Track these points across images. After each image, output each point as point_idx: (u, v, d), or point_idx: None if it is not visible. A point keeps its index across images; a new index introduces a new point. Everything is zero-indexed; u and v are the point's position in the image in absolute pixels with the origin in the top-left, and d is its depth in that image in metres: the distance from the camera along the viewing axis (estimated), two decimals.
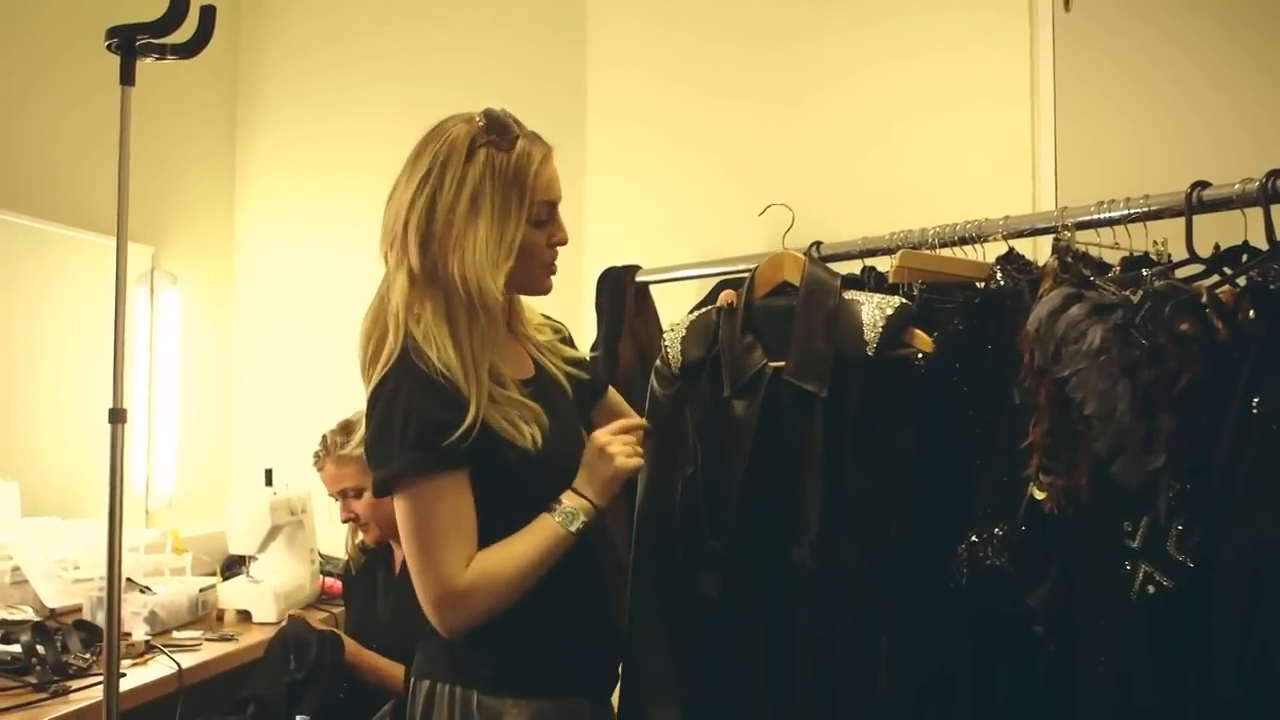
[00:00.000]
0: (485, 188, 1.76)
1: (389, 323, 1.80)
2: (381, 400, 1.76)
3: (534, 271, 1.87)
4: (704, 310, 2.03)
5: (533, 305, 2.06)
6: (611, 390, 2.12)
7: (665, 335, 2.03)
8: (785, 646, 1.87)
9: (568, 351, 2.02)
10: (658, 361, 2.03)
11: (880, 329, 1.83)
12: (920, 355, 1.86)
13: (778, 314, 1.95)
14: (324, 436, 3.01)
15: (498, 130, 1.79)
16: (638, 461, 1.86)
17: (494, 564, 1.74)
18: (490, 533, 1.78)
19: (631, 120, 3.49)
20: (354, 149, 3.99)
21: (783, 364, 1.89)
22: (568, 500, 1.81)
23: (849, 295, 1.90)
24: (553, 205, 1.85)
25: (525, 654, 1.82)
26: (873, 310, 1.85)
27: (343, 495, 2.96)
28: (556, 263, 1.89)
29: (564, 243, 1.88)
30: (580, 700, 1.87)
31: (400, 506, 1.74)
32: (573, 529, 1.79)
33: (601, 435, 1.86)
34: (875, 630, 1.81)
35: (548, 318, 2.09)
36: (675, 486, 1.95)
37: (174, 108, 3.91)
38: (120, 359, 2.07)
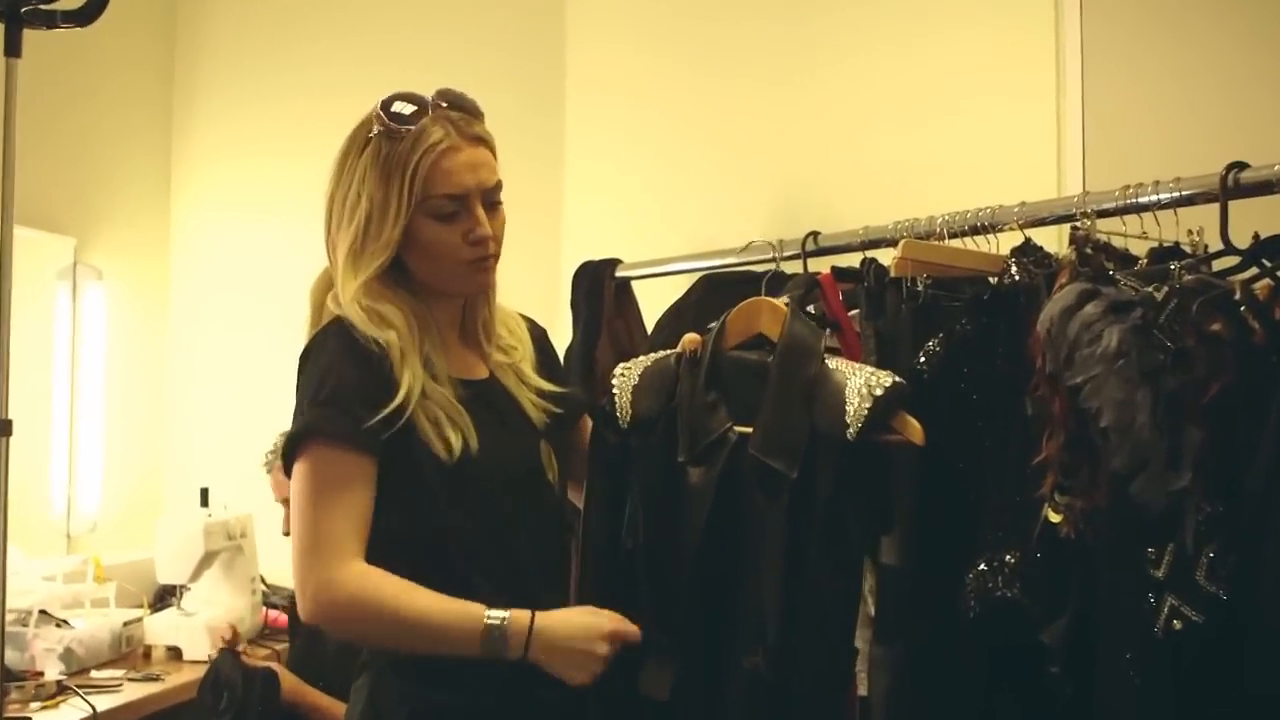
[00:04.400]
0: (367, 182, 1.81)
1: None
2: (306, 364, 1.82)
3: (449, 271, 1.86)
4: (662, 356, 1.95)
5: (508, 310, 2.04)
6: (585, 419, 2.07)
7: (614, 380, 1.94)
8: None
9: (537, 382, 1.98)
10: (604, 403, 1.93)
11: (866, 410, 1.75)
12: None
13: (748, 370, 1.87)
14: (281, 435, 3.01)
15: (391, 117, 1.81)
16: (581, 681, 1.76)
17: (390, 596, 1.71)
18: (399, 540, 1.77)
19: (614, 101, 3.48)
20: (306, 136, 3.94)
21: (749, 430, 1.82)
22: (514, 617, 1.72)
23: (833, 364, 1.84)
24: (459, 198, 1.82)
25: (444, 710, 1.79)
26: (860, 385, 1.77)
27: (286, 504, 2.94)
28: (486, 261, 1.86)
29: (482, 240, 1.83)
30: None
31: (298, 470, 1.75)
32: (491, 628, 1.71)
33: (604, 639, 1.76)
34: None
35: (525, 318, 2.08)
36: (619, 560, 1.87)
37: (103, 87, 3.89)
38: (4, 363, 2.05)
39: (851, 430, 1.75)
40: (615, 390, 1.92)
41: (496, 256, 1.89)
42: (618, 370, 1.95)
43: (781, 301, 2.01)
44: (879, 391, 1.76)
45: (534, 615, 1.73)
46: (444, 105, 1.84)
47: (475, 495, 1.81)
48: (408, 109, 1.82)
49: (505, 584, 1.79)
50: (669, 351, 1.95)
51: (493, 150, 1.88)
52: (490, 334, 1.97)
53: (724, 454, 1.82)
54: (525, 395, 1.95)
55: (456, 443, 1.77)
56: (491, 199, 1.86)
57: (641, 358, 1.97)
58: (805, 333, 1.88)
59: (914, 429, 1.76)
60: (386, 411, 1.73)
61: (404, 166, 1.79)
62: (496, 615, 1.72)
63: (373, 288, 1.81)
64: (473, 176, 1.83)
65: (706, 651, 1.81)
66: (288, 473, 1.79)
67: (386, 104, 1.82)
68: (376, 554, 1.76)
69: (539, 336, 2.09)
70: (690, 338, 1.94)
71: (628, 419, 1.89)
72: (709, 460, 1.82)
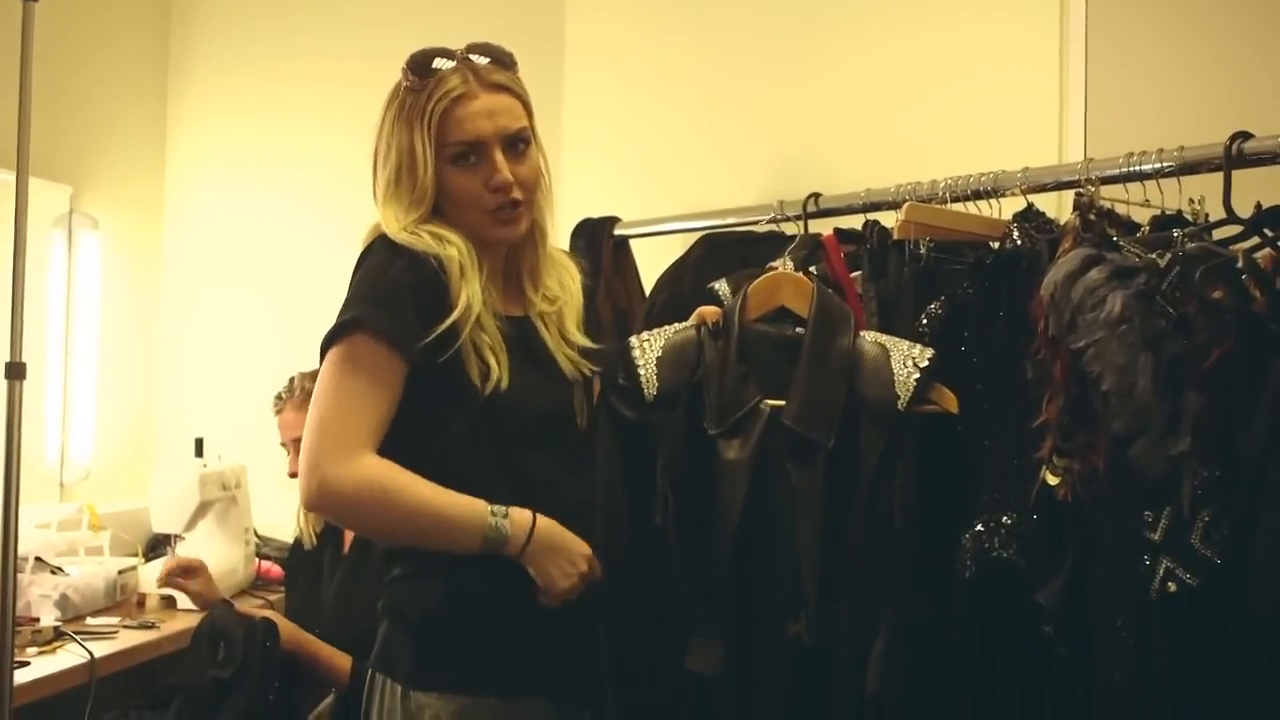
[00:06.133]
0: (394, 134, 1.85)
1: None
2: (358, 267, 1.82)
3: (474, 218, 1.86)
4: (682, 328, 1.94)
5: (566, 261, 2.04)
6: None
7: (634, 351, 1.91)
8: None
9: (577, 338, 1.97)
10: (620, 378, 1.90)
11: (915, 381, 1.80)
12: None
13: (774, 344, 1.89)
14: (292, 379, 3.01)
15: (413, 69, 1.84)
16: (565, 589, 1.79)
17: (399, 485, 1.74)
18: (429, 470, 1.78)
19: (612, 62, 3.46)
20: (300, 94, 3.99)
21: (780, 403, 1.83)
22: (516, 512, 1.77)
23: (868, 336, 1.88)
24: (474, 144, 1.83)
25: (447, 642, 1.81)
26: (903, 357, 1.82)
27: (295, 446, 2.95)
28: (513, 209, 1.87)
29: (502, 186, 1.84)
30: (537, 701, 1.84)
31: (332, 356, 1.77)
32: (495, 521, 1.75)
33: (587, 559, 1.82)
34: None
35: (571, 256, 2.10)
36: (647, 536, 1.85)
37: (100, 37, 3.87)
38: (20, 306, 2.04)
39: (902, 400, 1.79)
40: (640, 363, 1.89)
41: (526, 203, 1.88)
42: (634, 343, 1.92)
43: (785, 263, 2.03)
44: (923, 363, 1.81)
45: (535, 514, 1.78)
46: (470, 56, 1.85)
47: (505, 426, 1.82)
48: (430, 61, 1.84)
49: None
50: (687, 324, 1.94)
51: (519, 97, 1.89)
52: (537, 281, 1.97)
53: (758, 426, 1.82)
54: (561, 350, 1.94)
55: (495, 374, 1.78)
56: (516, 145, 1.87)
57: (656, 330, 1.94)
58: (836, 306, 1.91)
59: (950, 399, 1.82)
60: (442, 328, 1.75)
61: (421, 115, 1.82)
62: (500, 509, 1.76)
63: (421, 226, 1.83)
64: (489, 123, 1.83)
65: (745, 623, 1.82)
66: (323, 348, 1.80)
67: (412, 58, 1.84)
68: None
69: (589, 292, 2.09)
70: (709, 310, 1.95)
71: (654, 391, 1.88)
72: (742, 433, 1.83)
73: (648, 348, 1.90)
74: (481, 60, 1.86)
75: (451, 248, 1.79)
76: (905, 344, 1.85)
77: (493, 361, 1.79)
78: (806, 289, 1.93)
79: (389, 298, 1.76)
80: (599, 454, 1.92)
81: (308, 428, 1.77)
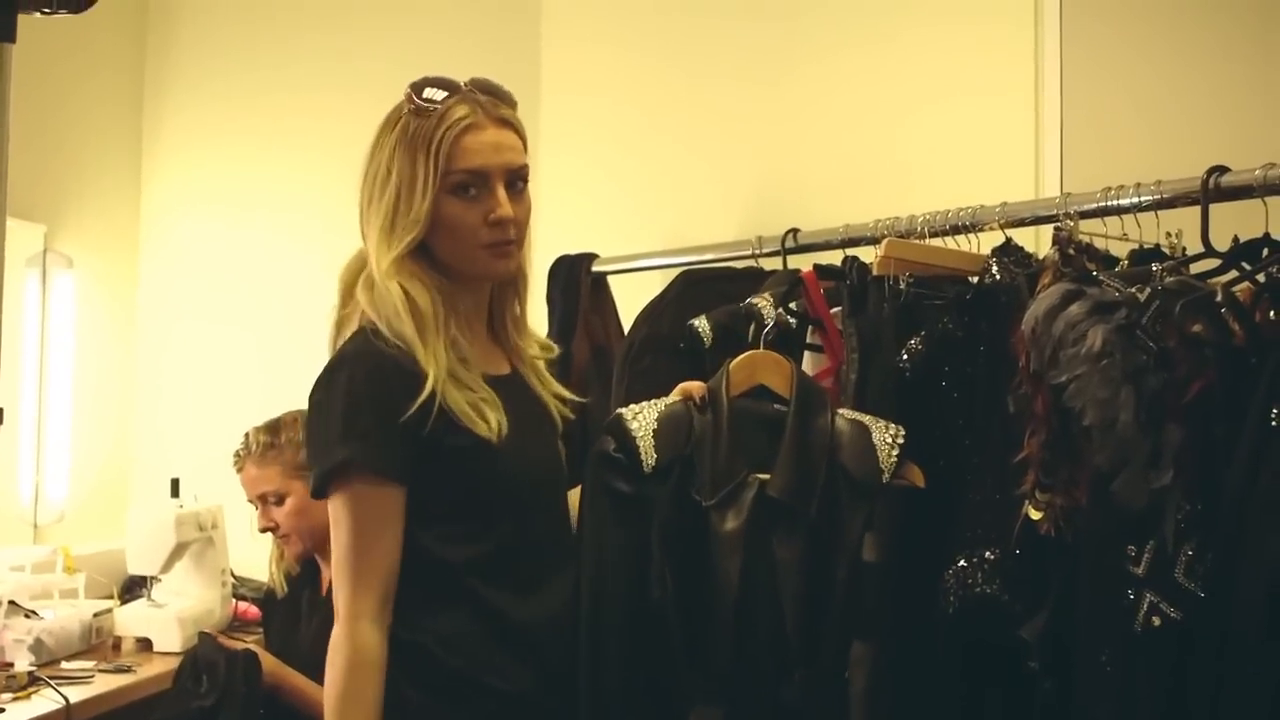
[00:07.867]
0: (395, 159, 1.84)
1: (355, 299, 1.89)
2: (332, 380, 1.82)
3: (466, 251, 1.86)
4: (673, 402, 1.95)
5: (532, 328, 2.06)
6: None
7: (629, 424, 1.90)
8: None
9: (555, 386, 2.01)
10: (611, 449, 1.89)
11: (895, 458, 1.85)
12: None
13: (756, 419, 1.91)
14: (247, 434, 2.99)
15: (420, 96, 1.84)
16: None
17: (336, 690, 1.77)
18: (452, 529, 1.80)
19: (589, 96, 3.48)
20: (276, 130, 3.98)
21: (765, 476, 1.86)
22: None
23: (844, 414, 1.91)
24: (479, 174, 1.83)
25: (460, 700, 1.80)
26: (883, 434, 1.87)
27: (262, 501, 2.93)
28: (508, 245, 1.87)
29: (501, 221, 1.84)
30: None
31: (342, 502, 1.78)
32: None
33: None
34: None
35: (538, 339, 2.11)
36: (646, 610, 1.86)
37: (75, 74, 3.86)
38: None
39: (886, 475, 1.84)
40: (637, 436, 1.88)
41: (519, 242, 1.89)
42: (627, 415, 1.91)
43: (765, 299, 2.04)
44: (900, 441, 1.86)
45: None
46: (475, 90, 1.86)
47: (511, 478, 1.83)
48: (437, 91, 1.84)
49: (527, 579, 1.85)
50: (674, 399, 1.95)
51: (521, 136, 1.90)
52: (521, 328, 1.99)
53: (748, 499, 1.84)
54: (548, 394, 1.98)
55: (495, 419, 1.79)
56: (515, 182, 1.87)
57: (645, 404, 1.95)
58: (814, 386, 1.98)
59: (918, 475, 1.88)
60: (421, 400, 1.74)
61: (429, 141, 1.81)
62: None
63: (405, 265, 1.82)
64: (496, 155, 1.84)
65: (739, 690, 1.83)
66: (320, 495, 1.81)
67: (417, 85, 1.85)
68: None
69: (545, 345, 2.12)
70: (694, 385, 1.96)
71: (652, 463, 1.88)
72: (734, 504, 1.84)
73: (642, 420, 1.91)
74: (484, 95, 1.87)
75: (408, 326, 1.79)
76: (880, 421, 1.89)
77: (488, 410, 1.80)
78: (785, 368, 1.97)
79: (374, 425, 1.77)
80: (588, 528, 1.92)
81: (336, 572, 1.81)
